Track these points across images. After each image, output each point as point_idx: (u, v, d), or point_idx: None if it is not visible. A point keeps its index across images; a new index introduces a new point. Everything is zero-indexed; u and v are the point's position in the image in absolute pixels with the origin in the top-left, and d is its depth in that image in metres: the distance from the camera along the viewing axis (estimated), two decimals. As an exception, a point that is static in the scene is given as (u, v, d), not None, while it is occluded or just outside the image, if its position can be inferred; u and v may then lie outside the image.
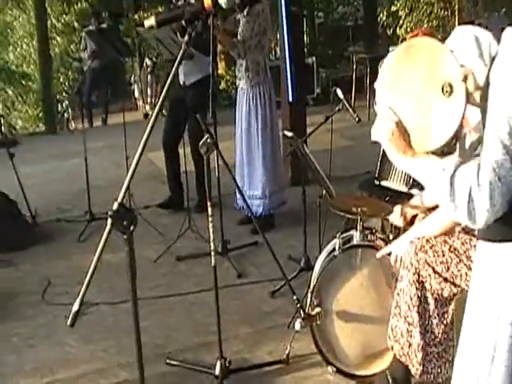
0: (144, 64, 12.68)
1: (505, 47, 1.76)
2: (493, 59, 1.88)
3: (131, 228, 2.12)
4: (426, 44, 2.04)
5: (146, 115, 12.40)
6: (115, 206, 2.11)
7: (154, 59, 12.69)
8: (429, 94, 2.00)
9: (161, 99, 2.37)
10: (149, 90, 12.46)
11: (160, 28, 2.64)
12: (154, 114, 2.29)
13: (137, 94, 13.17)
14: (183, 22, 2.48)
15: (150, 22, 2.51)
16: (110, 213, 2.09)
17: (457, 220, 2.99)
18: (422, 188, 3.93)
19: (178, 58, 2.36)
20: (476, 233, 2.08)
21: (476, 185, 1.75)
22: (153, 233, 5.73)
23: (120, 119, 6.74)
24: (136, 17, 14.59)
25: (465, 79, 2.04)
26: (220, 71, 13.17)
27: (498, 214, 1.78)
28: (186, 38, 2.40)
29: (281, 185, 6.02)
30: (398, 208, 3.52)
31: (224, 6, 2.51)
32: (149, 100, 12.50)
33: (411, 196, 3.93)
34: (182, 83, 6.23)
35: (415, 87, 2.01)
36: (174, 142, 6.33)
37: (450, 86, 1.97)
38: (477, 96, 2.14)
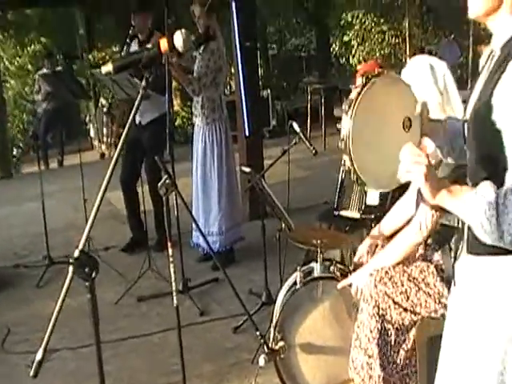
0: (99, 104, 12.68)
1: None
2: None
3: (93, 275, 2.11)
4: (384, 87, 2.08)
5: (103, 155, 12.36)
6: (76, 252, 2.10)
7: (109, 99, 12.69)
8: (391, 131, 2.05)
9: (120, 144, 2.35)
10: (105, 130, 12.42)
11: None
12: (114, 157, 2.28)
13: (92, 133, 13.13)
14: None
15: (108, 67, 2.52)
16: (71, 260, 2.08)
17: (417, 243, 3.07)
18: (375, 214, 4.02)
19: (136, 104, 2.37)
20: (468, 249, 2.05)
21: None
22: (112, 274, 5.67)
23: (76, 160, 6.72)
24: (90, 57, 14.58)
25: (421, 113, 2.10)
26: (175, 108, 13.22)
27: None
28: (144, 82, 2.41)
29: (237, 221, 6.03)
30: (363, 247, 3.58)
31: (181, 50, 2.51)
32: (105, 140, 12.46)
33: (367, 223, 4.00)
34: (137, 123, 6.22)
35: (379, 126, 2.05)
36: (132, 181, 6.31)
37: (409, 120, 2.03)
38: (428, 124, 2.19)
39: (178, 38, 2.53)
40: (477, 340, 1.97)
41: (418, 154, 1.84)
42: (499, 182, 1.81)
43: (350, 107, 1.99)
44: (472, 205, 1.77)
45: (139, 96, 2.41)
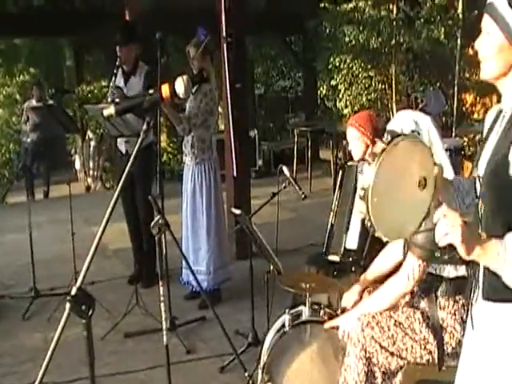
0: (86, 136, 12.69)
1: None
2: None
3: (90, 312, 2.15)
4: (407, 146, 2.20)
5: (88, 188, 12.38)
6: (74, 290, 2.15)
7: (96, 132, 12.73)
8: (407, 187, 2.17)
9: (118, 188, 2.41)
10: (91, 163, 12.43)
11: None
12: (115, 195, 2.33)
13: (78, 165, 13.10)
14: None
15: (110, 111, 2.58)
16: (68, 297, 2.13)
17: (404, 292, 3.15)
18: (353, 258, 4.09)
19: (136, 149, 2.42)
20: (483, 296, 2.18)
21: None
22: (99, 309, 5.62)
23: (61, 192, 6.76)
24: (79, 89, 14.65)
25: (437, 174, 2.21)
26: (162, 144, 13.29)
27: None
28: (145, 126, 2.48)
29: (225, 261, 6.06)
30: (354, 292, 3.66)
31: (182, 96, 2.59)
32: (91, 173, 12.47)
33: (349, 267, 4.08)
34: (124, 152, 6.29)
35: (397, 182, 2.16)
36: (132, 215, 6.39)
37: (425, 179, 2.14)
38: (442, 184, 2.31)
39: (180, 85, 2.60)
40: (492, 378, 2.09)
41: (453, 216, 1.94)
42: None
43: (374, 160, 2.10)
44: (504, 257, 1.90)
45: (139, 140, 2.47)
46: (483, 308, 2.18)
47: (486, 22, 2.07)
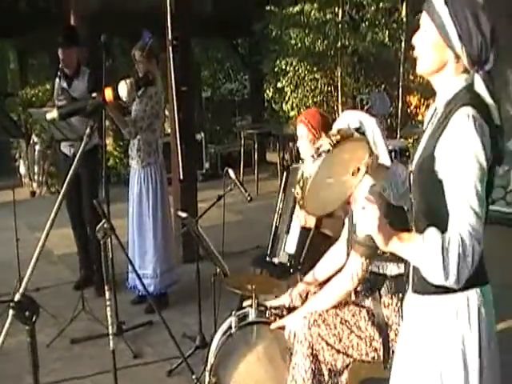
0: (31, 141, 12.50)
1: (455, 125, 1.97)
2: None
3: (33, 319, 2.13)
4: (350, 147, 2.25)
5: (33, 193, 12.18)
6: (17, 296, 2.13)
7: (41, 136, 12.54)
8: (340, 178, 2.24)
9: (63, 191, 2.39)
10: (36, 168, 12.25)
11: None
12: (59, 199, 2.31)
13: (23, 170, 12.91)
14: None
15: (52, 114, 2.55)
16: (11, 304, 2.10)
17: (348, 290, 3.20)
18: (290, 262, 4.12)
19: (80, 152, 2.41)
20: (413, 289, 2.27)
21: (462, 251, 1.92)
22: (44, 315, 5.52)
23: (5, 197, 6.62)
24: (23, 93, 14.43)
25: (367, 165, 2.25)
26: (108, 148, 13.16)
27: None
28: (88, 130, 2.47)
29: (172, 264, 6.06)
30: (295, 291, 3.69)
31: (125, 99, 2.58)
32: (36, 178, 12.28)
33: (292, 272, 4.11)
34: (69, 154, 6.21)
35: (335, 174, 2.23)
36: (77, 220, 6.33)
37: (358, 168, 2.20)
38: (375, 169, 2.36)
39: (123, 89, 2.59)
40: (420, 369, 2.18)
41: (371, 208, 2.00)
42: (442, 229, 1.98)
43: (318, 156, 2.17)
44: (421, 250, 1.96)
45: (83, 144, 2.45)
46: (412, 301, 2.28)
47: (424, 19, 2.12)
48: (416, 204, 2.22)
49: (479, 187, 1.96)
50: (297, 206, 4.04)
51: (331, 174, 2.22)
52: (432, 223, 2.02)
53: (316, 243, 3.97)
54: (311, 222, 4.06)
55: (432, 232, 1.96)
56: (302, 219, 4.10)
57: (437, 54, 2.10)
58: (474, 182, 1.96)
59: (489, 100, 2.05)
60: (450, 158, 2.00)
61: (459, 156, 1.97)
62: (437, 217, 2.06)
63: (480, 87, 2.05)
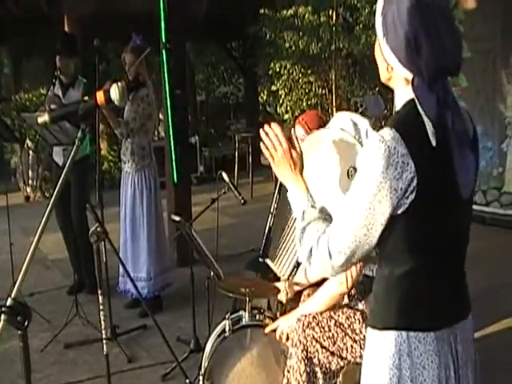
0: (25, 145, 12.48)
1: (364, 146, 1.93)
2: None
3: (26, 323, 2.12)
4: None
5: (28, 198, 12.18)
6: (9, 301, 2.11)
7: (36, 140, 12.53)
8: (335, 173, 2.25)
9: (53, 196, 2.38)
10: (30, 172, 12.24)
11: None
12: (49, 207, 2.30)
13: (17, 175, 12.91)
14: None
15: (44, 118, 2.54)
16: (3, 308, 2.09)
17: (342, 292, 3.19)
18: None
19: (72, 155, 2.40)
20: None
21: (316, 245, 1.98)
22: (38, 320, 5.55)
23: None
24: (16, 97, 14.41)
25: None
26: (103, 152, 13.16)
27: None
28: (80, 134, 2.46)
29: (166, 266, 6.05)
30: (281, 285, 3.68)
31: (117, 102, 2.57)
32: (30, 182, 12.27)
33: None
34: (60, 163, 6.22)
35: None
36: (69, 225, 6.29)
37: (354, 169, 2.20)
38: None
39: (115, 92, 2.58)
40: None
41: (283, 150, 2.21)
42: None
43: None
44: (304, 218, 2.08)
45: (75, 147, 2.44)
46: (368, 334, 2.19)
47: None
48: None
49: (364, 210, 1.89)
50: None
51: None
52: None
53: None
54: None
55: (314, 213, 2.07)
56: None
57: (380, 63, 2.02)
58: (360, 202, 1.90)
59: (425, 118, 1.88)
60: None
61: (358, 175, 1.93)
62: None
63: (418, 104, 1.90)
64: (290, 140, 2.28)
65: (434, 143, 1.86)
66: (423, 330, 1.98)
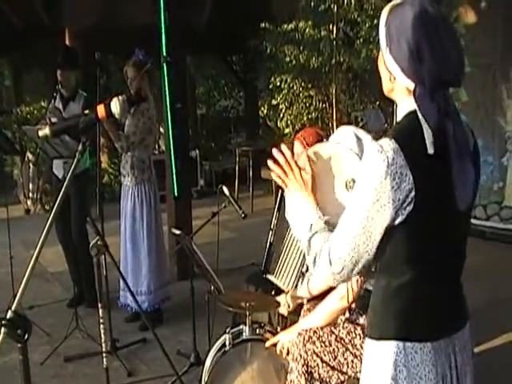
0: (26, 158, 12.49)
1: (364, 155, 1.94)
2: None
3: (26, 337, 2.12)
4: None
5: (28, 211, 12.17)
6: (9, 314, 2.11)
7: (37, 153, 12.53)
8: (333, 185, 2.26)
9: (54, 209, 2.38)
10: (31, 185, 12.22)
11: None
12: (49, 220, 2.30)
13: (18, 188, 12.89)
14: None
15: (45, 131, 2.54)
16: (3, 321, 2.09)
17: (343, 307, 3.18)
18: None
19: (72, 168, 2.40)
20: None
21: (319, 254, 2.00)
22: (38, 333, 5.53)
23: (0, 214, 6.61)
24: (18, 110, 14.44)
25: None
26: (103, 165, 13.16)
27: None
28: (80, 147, 2.46)
29: (165, 280, 6.05)
30: (282, 298, 3.68)
31: (118, 116, 2.58)
32: (30, 195, 12.26)
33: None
34: (60, 177, 6.23)
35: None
36: (70, 238, 6.28)
37: (353, 181, 2.19)
38: None
39: (116, 106, 2.58)
40: None
41: (296, 171, 2.21)
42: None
43: None
44: (310, 230, 2.08)
45: (75, 160, 2.45)
46: (365, 344, 2.18)
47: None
48: None
49: (363, 219, 1.91)
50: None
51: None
52: None
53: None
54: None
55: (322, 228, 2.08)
56: None
57: (383, 74, 2.05)
58: (359, 210, 1.92)
59: (426, 127, 1.89)
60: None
61: (357, 184, 1.96)
62: None
63: (419, 112, 1.92)
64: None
65: (430, 151, 1.87)
66: (420, 340, 1.98)
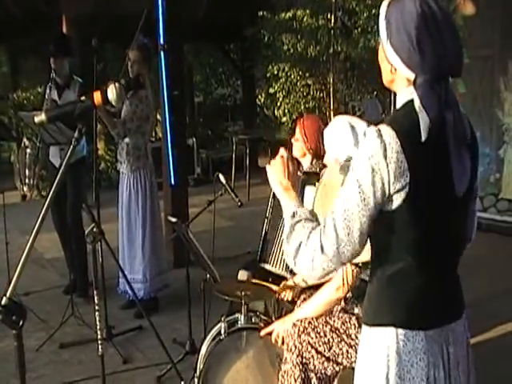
0: (22, 144, 12.45)
1: (366, 140, 1.94)
2: None
3: (21, 323, 2.11)
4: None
5: (24, 197, 12.14)
6: (4, 300, 2.10)
7: (33, 139, 12.49)
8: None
9: (50, 195, 2.37)
10: (27, 171, 12.18)
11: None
12: (45, 207, 2.29)
13: (15, 173, 12.85)
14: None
15: (41, 117, 2.52)
16: (-2, 308, 2.08)
17: (338, 297, 3.19)
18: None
19: (68, 155, 2.39)
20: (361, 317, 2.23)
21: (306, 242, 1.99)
22: (34, 320, 5.52)
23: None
24: (14, 96, 14.38)
25: None
26: (100, 152, 13.12)
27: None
28: (77, 133, 2.45)
29: (162, 268, 6.04)
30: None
31: (114, 103, 2.56)
32: (27, 181, 12.22)
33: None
34: (56, 165, 6.21)
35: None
36: (66, 225, 6.27)
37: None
38: None
39: (112, 92, 2.57)
40: None
41: (279, 162, 2.31)
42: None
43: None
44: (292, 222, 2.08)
45: (71, 147, 2.43)
46: (362, 331, 2.19)
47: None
48: None
49: (357, 199, 1.91)
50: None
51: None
52: None
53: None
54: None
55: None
56: None
57: (383, 65, 2.07)
58: (353, 189, 1.93)
59: (423, 116, 1.90)
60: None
61: (353, 163, 1.96)
62: None
63: (416, 102, 1.93)
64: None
65: (423, 138, 1.89)
66: (411, 328, 2.00)
